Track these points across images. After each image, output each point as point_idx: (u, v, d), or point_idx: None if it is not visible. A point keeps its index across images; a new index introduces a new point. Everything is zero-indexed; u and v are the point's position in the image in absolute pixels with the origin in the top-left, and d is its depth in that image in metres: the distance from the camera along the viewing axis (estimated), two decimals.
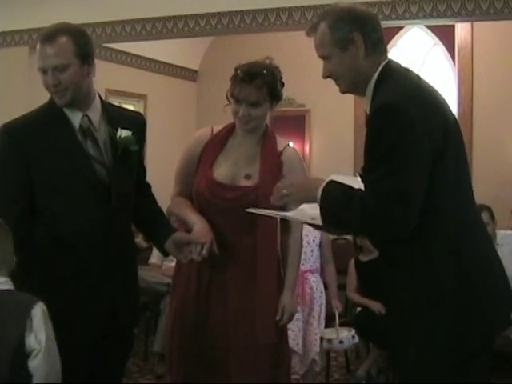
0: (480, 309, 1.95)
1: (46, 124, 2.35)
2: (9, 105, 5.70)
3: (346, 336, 4.22)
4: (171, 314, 2.82)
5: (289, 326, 4.05)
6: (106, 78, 5.92)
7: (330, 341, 4.20)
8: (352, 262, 4.87)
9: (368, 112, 2.03)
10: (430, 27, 6.80)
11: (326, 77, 2.11)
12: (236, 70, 2.72)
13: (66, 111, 2.36)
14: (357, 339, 4.33)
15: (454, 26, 6.68)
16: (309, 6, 4.88)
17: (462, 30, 6.72)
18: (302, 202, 2.12)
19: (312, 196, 2.01)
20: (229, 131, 2.80)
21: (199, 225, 2.60)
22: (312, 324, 4.22)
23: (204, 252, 2.48)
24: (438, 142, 1.92)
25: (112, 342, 2.41)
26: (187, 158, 2.81)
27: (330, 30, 2.04)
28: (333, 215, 1.97)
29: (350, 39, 2.02)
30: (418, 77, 2.07)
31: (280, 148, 2.78)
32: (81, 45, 2.32)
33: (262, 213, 2.36)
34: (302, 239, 2.85)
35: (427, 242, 1.95)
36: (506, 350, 4.29)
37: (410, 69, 2.10)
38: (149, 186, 2.69)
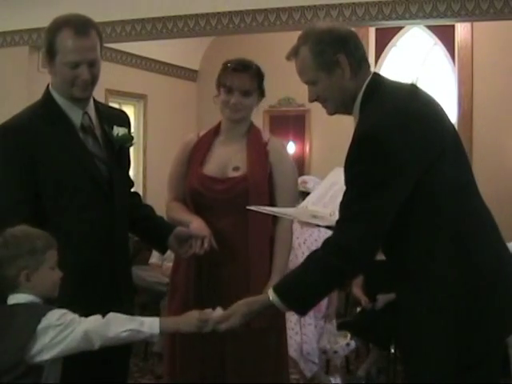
0: (489, 311, 1.92)
1: (46, 122, 2.27)
2: (9, 105, 5.70)
3: (341, 345, 4.22)
4: (171, 315, 2.81)
5: (304, 331, 4.10)
6: (106, 77, 5.90)
7: (324, 352, 4.21)
8: None
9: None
10: (430, 27, 6.80)
11: (312, 100, 2.08)
12: (226, 63, 2.83)
13: (65, 108, 2.30)
14: (353, 345, 4.33)
15: (454, 26, 6.68)
16: (309, 6, 4.88)
17: (462, 29, 6.72)
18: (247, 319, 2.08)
19: (257, 308, 2.04)
20: (214, 132, 2.90)
21: (196, 221, 2.63)
22: (321, 328, 4.23)
23: (206, 245, 2.51)
24: (428, 158, 1.90)
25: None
26: (177, 163, 2.90)
27: (312, 54, 1.99)
28: (312, 293, 1.98)
29: (334, 62, 1.97)
30: (411, 89, 2.02)
31: (265, 139, 2.86)
32: (101, 38, 2.31)
33: (262, 210, 2.38)
34: (291, 229, 2.87)
35: (432, 246, 1.93)
36: (506, 350, 4.29)
37: (400, 81, 2.08)
38: (133, 183, 2.67)
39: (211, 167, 2.80)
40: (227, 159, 2.80)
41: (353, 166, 1.92)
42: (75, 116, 2.31)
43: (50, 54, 2.25)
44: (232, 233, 2.71)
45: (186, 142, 2.92)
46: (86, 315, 2.21)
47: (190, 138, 2.93)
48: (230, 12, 5.11)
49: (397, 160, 1.86)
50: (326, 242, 1.97)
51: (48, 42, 2.26)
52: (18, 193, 2.23)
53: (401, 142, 1.86)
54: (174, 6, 5.31)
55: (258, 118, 7.39)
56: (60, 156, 2.24)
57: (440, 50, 7.00)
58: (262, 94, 2.84)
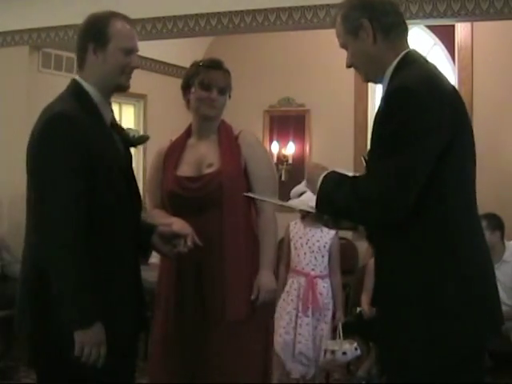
0: (470, 312, 1.94)
1: (85, 114, 2.23)
2: (9, 104, 5.70)
3: (349, 348, 4.22)
4: (158, 327, 2.85)
5: (299, 331, 4.11)
6: None
7: (333, 352, 4.19)
8: (371, 261, 4.80)
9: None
10: (430, 27, 6.80)
11: (348, 66, 2.16)
12: (196, 63, 2.88)
13: (98, 103, 2.30)
14: (359, 351, 4.32)
15: (454, 26, 6.68)
16: (309, 6, 4.88)
17: (462, 29, 6.72)
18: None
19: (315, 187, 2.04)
20: (186, 134, 2.95)
21: (177, 222, 2.65)
22: (323, 329, 4.22)
23: (189, 243, 2.50)
24: (447, 135, 1.93)
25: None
26: (153, 172, 2.97)
27: (342, 19, 2.11)
28: (326, 201, 1.99)
29: (359, 25, 2.06)
30: (437, 68, 2.09)
31: (235, 133, 2.89)
32: None
33: (260, 198, 2.45)
34: (273, 219, 2.87)
35: (424, 240, 1.94)
36: (506, 349, 4.29)
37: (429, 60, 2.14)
38: None
39: (186, 168, 2.84)
40: (201, 158, 2.84)
41: (387, 120, 1.93)
42: (106, 112, 2.33)
43: (101, 41, 2.28)
44: (211, 229, 2.73)
45: (159, 150, 2.98)
46: (121, 304, 2.25)
47: (162, 146, 2.98)
48: (229, 12, 5.10)
49: (431, 116, 1.89)
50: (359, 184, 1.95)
51: (98, 29, 2.29)
52: (79, 183, 2.15)
53: (435, 102, 1.90)
54: (174, 6, 5.31)
55: (258, 118, 7.44)
56: (100, 150, 2.23)
57: (440, 50, 7.00)
58: (230, 93, 2.89)
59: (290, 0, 4.94)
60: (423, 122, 1.88)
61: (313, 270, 4.21)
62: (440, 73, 2.06)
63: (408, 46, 2.09)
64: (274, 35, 6.40)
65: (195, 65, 2.89)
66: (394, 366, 2.05)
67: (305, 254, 4.23)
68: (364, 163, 2.06)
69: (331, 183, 1.99)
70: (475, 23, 6.46)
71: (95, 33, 2.29)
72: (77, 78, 2.33)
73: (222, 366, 2.73)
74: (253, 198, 2.78)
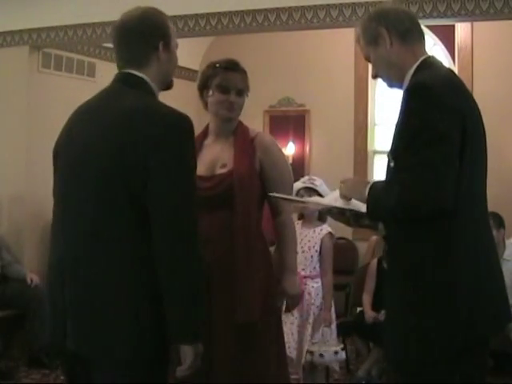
0: (475, 314, 1.95)
1: None
2: (8, 105, 5.70)
3: (327, 350, 4.15)
4: None
5: (284, 328, 4.08)
6: (107, 78, 5.91)
7: (311, 353, 4.16)
8: (374, 262, 4.80)
9: None
10: (430, 27, 6.79)
11: (373, 77, 2.24)
12: (213, 64, 2.85)
13: None
14: (342, 355, 4.24)
15: (454, 26, 6.68)
16: (309, 6, 4.88)
17: (462, 29, 6.72)
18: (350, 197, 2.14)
19: (359, 192, 2.06)
20: (203, 134, 2.94)
21: None
22: (307, 329, 4.19)
23: None
24: (459, 137, 1.94)
25: None
26: None
27: (362, 32, 2.20)
28: (376, 207, 2.01)
29: (377, 34, 2.13)
30: (453, 72, 2.17)
31: (252, 135, 2.88)
32: None
33: (285, 198, 2.49)
34: (292, 221, 2.90)
35: (433, 241, 1.96)
36: (506, 349, 4.29)
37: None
38: None
39: (200, 168, 2.79)
40: (216, 158, 2.83)
41: (407, 117, 1.96)
42: None
43: (168, 38, 2.22)
44: (221, 229, 2.73)
45: None
46: None
47: None
48: (229, 12, 5.10)
49: (449, 112, 1.91)
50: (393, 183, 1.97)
51: (165, 27, 2.22)
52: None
53: (448, 100, 1.93)
54: (174, 5, 5.30)
55: (258, 118, 7.44)
56: None
57: (440, 50, 6.99)
58: (247, 93, 2.89)
59: (290, 0, 4.94)
60: (440, 118, 1.90)
61: (303, 269, 4.19)
62: (456, 76, 2.12)
63: (426, 53, 2.15)
64: (274, 35, 6.40)
65: (212, 66, 2.86)
66: (395, 365, 2.07)
67: (296, 253, 4.24)
68: (391, 161, 2.05)
69: (378, 189, 2.01)
70: (475, 23, 6.46)
71: (163, 30, 2.22)
72: (140, 74, 2.26)
73: (232, 366, 2.70)
74: (269, 200, 2.79)
